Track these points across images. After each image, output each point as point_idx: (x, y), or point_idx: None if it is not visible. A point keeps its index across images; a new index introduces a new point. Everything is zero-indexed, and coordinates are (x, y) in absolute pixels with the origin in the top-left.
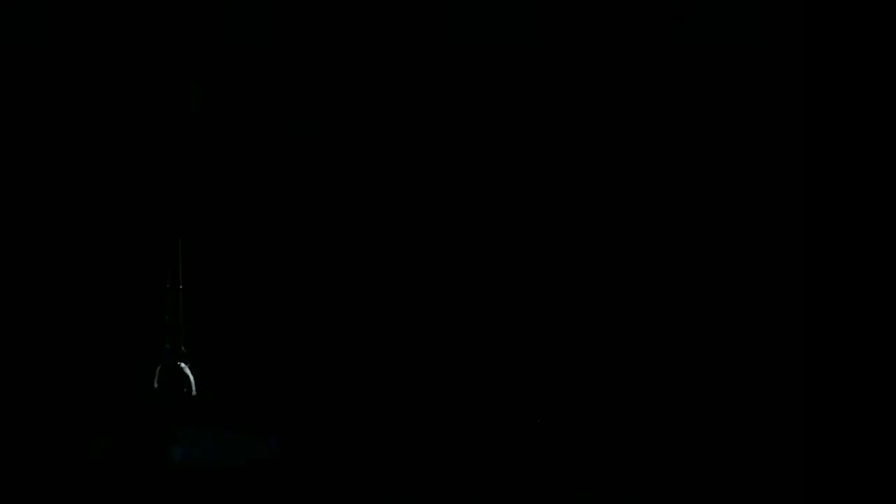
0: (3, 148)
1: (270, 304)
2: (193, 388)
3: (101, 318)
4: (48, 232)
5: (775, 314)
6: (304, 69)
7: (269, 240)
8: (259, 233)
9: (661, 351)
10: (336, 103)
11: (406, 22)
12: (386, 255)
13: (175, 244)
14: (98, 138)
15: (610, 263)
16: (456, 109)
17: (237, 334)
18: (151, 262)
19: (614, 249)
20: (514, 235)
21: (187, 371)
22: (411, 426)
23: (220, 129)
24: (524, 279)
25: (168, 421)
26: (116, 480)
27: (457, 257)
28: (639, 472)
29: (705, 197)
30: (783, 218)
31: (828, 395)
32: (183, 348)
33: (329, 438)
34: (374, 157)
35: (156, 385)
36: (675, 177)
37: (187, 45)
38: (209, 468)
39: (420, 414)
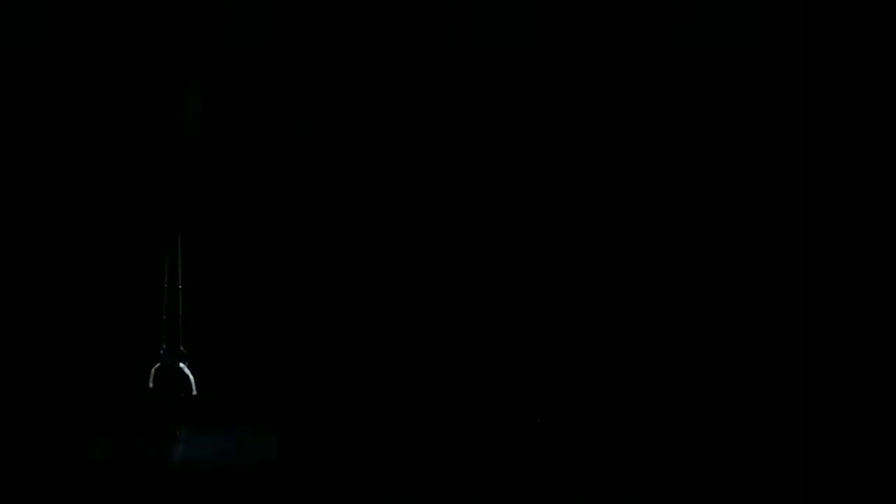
0: (3, 147)
1: (270, 304)
2: (194, 387)
3: (100, 319)
4: (47, 232)
5: (776, 315)
6: (304, 69)
7: (268, 239)
8: (259, 232)
9: (661, 352)
10: (336, 103)
11: (407, 22)
12: (386, 255)
13: (174, 244)
14: (97, 138)
15: (610, 264)
16: (456, 109)
17: (236, 334)
18: (150, 262)
19: (614, 250)
20: (515, 236)
21: (187, 371)
22: (411, 426)
23: (220, 128)
24: (524, 280)
25: (168, 421)
26: (116, 480)
27: (457, 258)
28: (639, 472)
29: (705, 196)
30: (783, 218)
31: (828, 395)
32: (182, 348)
33: (329, 438)
34: (373, 156)
35: (150, 385)
36: (675, 176)
37: (187, 45)
38: (209, 468)
39: (420, 414)
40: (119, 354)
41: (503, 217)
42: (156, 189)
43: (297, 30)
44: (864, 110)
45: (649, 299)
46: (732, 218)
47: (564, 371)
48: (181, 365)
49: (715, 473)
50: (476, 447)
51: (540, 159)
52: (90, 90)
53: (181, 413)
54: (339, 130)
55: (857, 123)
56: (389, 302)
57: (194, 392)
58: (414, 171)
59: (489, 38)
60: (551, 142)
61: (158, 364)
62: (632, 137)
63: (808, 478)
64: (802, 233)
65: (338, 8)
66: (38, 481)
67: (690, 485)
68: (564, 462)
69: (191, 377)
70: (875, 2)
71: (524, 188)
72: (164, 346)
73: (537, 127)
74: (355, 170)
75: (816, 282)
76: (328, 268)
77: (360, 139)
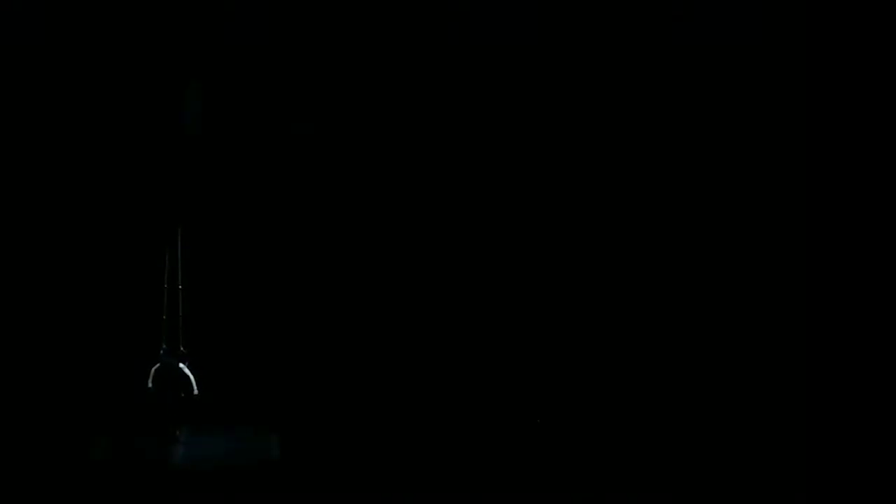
0: (3, 147)
1: (270, 304)
2: (195, 387)
3: (100, 319)
4: (47, 233)
5: (776, 315)
6: (304, 69)
7: (268, 239)
8: (259, 232)
9: (661, 352)
10: (336, 103)
11: (406, 22)
12: (386, 255)
13: (174, 244)
14: (98, 139)
15: (610, 264)
16: (456, 109)
17: (236, 334)
18: (150, 262)
19: (614, 250)
20: (514, 236)
21: (187, 371)
22: (411, 426)
23: (220, 128)
24: (524, 280)
25: (168, 421)
26: (116, 480)
27: (457, 258)
28: (639, 472)
29: (705, 196)
30: (783, 218)
31: (828, 395)
32: (182, 348)
33: (329, 438)
34: (374, 157)
35: (150, 385)
36: (675, 176)
37: (187, 45)
38: (209, 468)
39: (420, 414)
40: (119, 354)
41: (503, 217)
42: (156, 189)
43: (297, 30)
44: (864, 110)
45: (649, 299)
46: (732, 218)
47: (564, 371)
48: (181, 365)
49: (715, 473)
50: (476, 447)
51: (540, 159)
52: (90, 90)
53: (181, 413)
54: (339, 130)
55: (857, 123)
56: (389, 302)
57: (195, 392)
58: (414, 171)
59: (489, 38)
60: (551, 142)
61: (158, 364)
62: (632, 137)
63: (808, 478)
64: (802, 233)
65: (338, 8)
66: (38, 481)
67: (690, 485)
68: (564, 462)
69: (191, 377)
70: (875, 2)
71: (524, 188)
72: (164, 346)
73: (537, 127)
74: (355, 170)
75: (816, 282)
76: (328, 268)
77: (360, 139)
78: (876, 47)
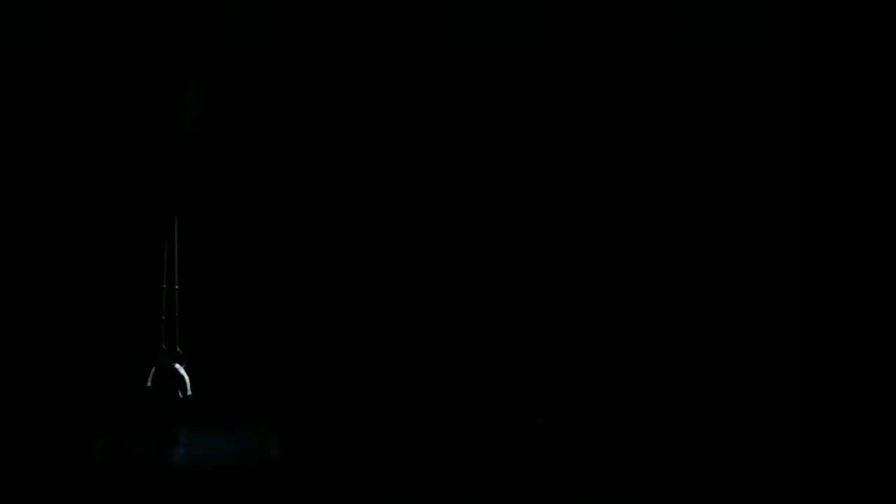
0: (3, 148)
1: (270, 304)
2: (189, 388)
3: (100, 319)
4: (47, 233)
5: (776, 315)
6: (304, 69)
7: (267, 239)
8: (258, 232)
9: (661, 352)
10: (336, 103)
11: (406, 22)
12: (385, 255)
13: (173, 243)
14: (98, 139)
15: (609, 264)
16: (456, 109)
17: (237, 334)
18: (150, 263)
19: (614, 250)
20: (514, 236)
21: (183, 372)
22: (411, 426)
23: (220, 128)
24: (524, 281)
25: (168, 421)
26: (116, 480)
27: (456, 258)
28: (639, 472)
29: (705, 196)
30: (783, 218)
31: (828, 395)
32: (179, 349)
33: (329, 438)
34: (373, 156)
35: (149, 385)
36: (675, 176)
37: (187, 45)
38: (209, 468)
39: (420, 414)
40: (119, 354)
41: (503, 217)
42: (156, 190)
43: (297, 30)
44: (864, 110)
45: (649, 300)
46: (732, 218)
47: (564, 371)
48: (176, 366)
49: (715, 473)
50: (476, 447)
51: (540, 159)
52: (91, 90)
53: (180, 413)
54: (339, 130)
55: (857, 123)
56: (389, 302)
57: (189, 393)
58: (414, 170)
59: (489, 38)
60: (551, 142)
61: (156, 365)
62: (632, 137)
63: (808, 478)
64: (802, 233)
65: (337, 8)
66: (38, 481)
67: (690, 485)
68: (564, 462)
69: (186, 378)
70: (875, 2)
71: (524, 188)
72: (164, 347)
73: (537, 127)
74: (355, 170)
75: (816, 282)
76: (328, 268)
77: (360, 139)
78: (876, 47)
